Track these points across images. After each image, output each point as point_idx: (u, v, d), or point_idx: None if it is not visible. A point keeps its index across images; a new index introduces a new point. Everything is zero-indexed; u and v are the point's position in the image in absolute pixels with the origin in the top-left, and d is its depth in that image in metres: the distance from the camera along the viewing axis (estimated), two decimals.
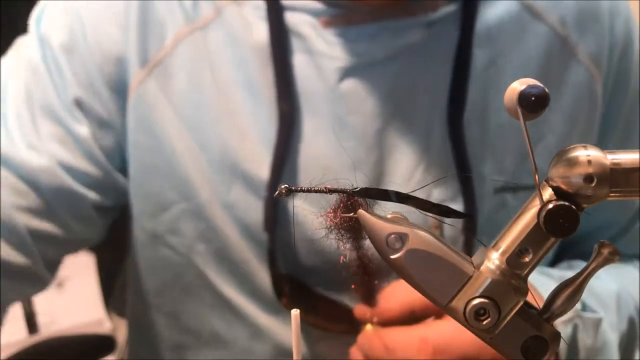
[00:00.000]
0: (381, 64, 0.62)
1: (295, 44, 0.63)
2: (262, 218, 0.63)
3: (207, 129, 0.64)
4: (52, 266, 0.66)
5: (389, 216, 0.33)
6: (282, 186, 0.33)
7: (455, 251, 0.32)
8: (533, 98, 0.29)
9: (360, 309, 0.58)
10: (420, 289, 0.32)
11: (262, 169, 0.63)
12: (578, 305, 0.60)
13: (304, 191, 0.33)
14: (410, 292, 0.55)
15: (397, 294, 0.57)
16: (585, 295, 0.61)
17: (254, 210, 0.63)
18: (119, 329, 1.31)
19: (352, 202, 0.33)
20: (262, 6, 0.63)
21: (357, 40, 0.62)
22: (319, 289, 0.65)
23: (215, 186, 0.64)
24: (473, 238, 0.63)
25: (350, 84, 0.62)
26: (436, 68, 0.63)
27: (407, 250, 0.31)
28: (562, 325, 0.58)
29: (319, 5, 0.63)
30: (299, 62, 0.63)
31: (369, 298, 0.57)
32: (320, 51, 0.62)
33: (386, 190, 0.33)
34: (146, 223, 0.69)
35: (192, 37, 0.64)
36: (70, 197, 0.63)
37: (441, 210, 0.34)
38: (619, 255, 0.32)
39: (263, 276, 0.65)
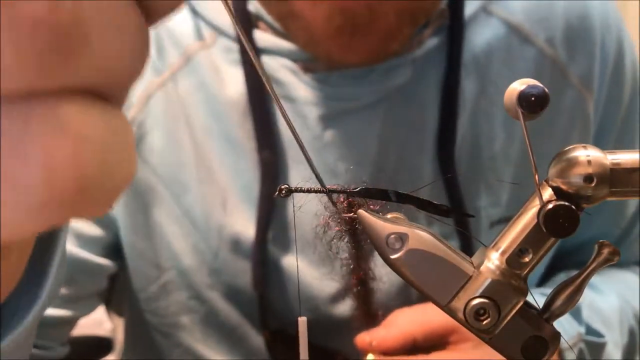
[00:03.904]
0: (369, 108, 0.59)
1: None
2: (251, 279, 0.60)
3: (188, 191, 0.61)
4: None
5: (388, 216, 0.33)
6: (282, 186, 0.33)
7: (455, 251, 0.32)
8: (533, 98, 0.29)
9: (361, 339, 0.56)
10: (420, 289, 0.32)
11: (248, 228, 0.60)
12: (582, 329, 0.59)
13: (303, 191, 0.33)
14: (411, 321, 0.54)
15: (399, 323, 0.55)
16: (589, 314, 0.61)
17: (242, 272, 0.61)
18: (119, 329, 1.30)
19: (352, 202, 0.33)
20: (235, 48, 0.60)
21: (341, 85, 0.59)
22: (315, 341, 0.63)
23: (200, 253, 0.61)
24: (472, 239, 0.63)
25: (336, 131, 0.59)
26: (424, 105, 0.61)
27: (407, 251, 0.31)
28: (568, 350, 0.57)
29: (298, 48, 0.59)
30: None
31: (370, 325, 0.55)
32: (302, 98, 0.59)
33: (386, 190, 0.33)
34: (137, 293, 0.66)
35: (163, 89, 0.60)
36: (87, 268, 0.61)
37: (441, 210, 0.34)
38: (618, 256, 0.32)
39: (255, 338, 0.63)
